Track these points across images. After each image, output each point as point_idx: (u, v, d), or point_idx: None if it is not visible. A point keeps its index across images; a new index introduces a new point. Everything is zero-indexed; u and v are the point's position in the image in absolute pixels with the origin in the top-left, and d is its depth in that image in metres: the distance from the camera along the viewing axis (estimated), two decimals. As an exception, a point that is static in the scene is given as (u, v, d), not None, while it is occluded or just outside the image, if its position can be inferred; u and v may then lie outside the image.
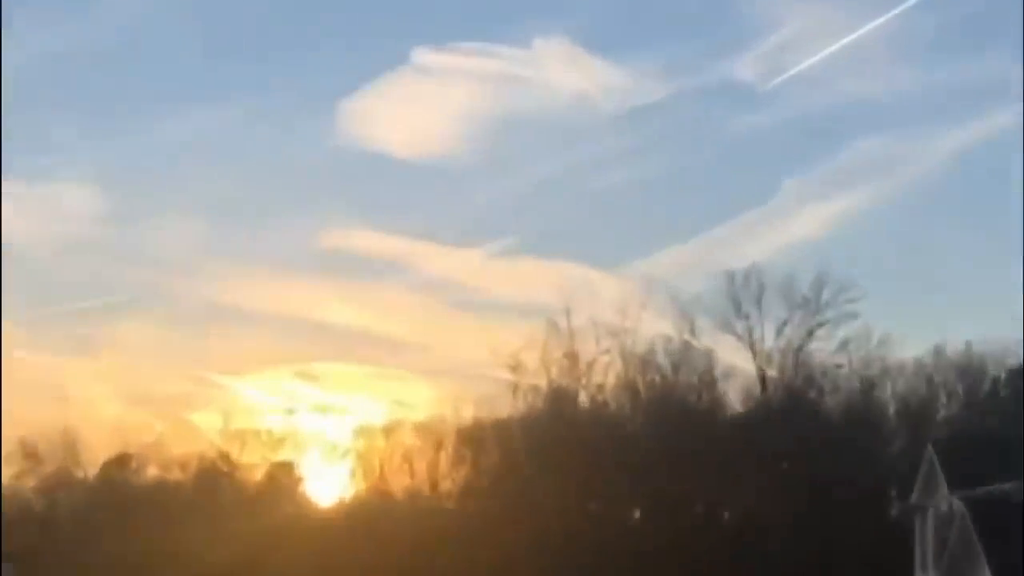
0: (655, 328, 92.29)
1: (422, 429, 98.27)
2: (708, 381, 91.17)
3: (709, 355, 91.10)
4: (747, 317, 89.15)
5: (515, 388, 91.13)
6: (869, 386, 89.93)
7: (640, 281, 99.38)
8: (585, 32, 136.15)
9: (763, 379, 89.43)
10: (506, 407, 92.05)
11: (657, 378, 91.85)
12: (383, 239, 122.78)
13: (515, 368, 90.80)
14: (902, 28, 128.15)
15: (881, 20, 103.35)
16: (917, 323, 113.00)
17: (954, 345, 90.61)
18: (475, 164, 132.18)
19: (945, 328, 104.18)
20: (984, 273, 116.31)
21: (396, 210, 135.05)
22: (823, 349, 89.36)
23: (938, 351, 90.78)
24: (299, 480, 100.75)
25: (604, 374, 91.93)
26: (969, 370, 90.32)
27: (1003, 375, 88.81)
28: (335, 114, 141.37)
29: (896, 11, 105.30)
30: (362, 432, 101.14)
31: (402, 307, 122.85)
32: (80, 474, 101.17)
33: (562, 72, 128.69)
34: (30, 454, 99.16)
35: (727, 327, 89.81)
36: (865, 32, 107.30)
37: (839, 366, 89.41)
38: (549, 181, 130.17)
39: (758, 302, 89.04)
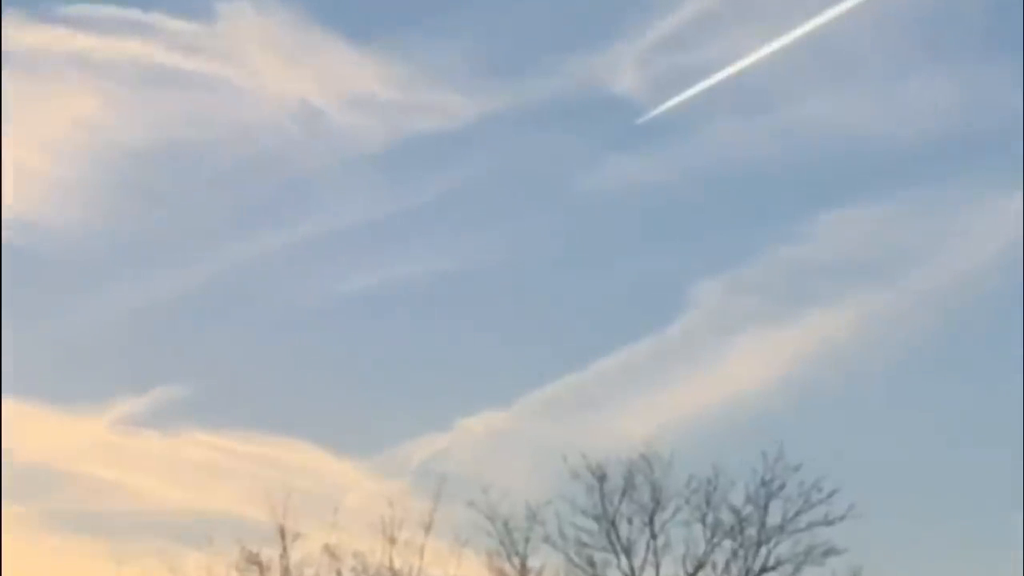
0: (452, 569, 63.16)
1: None
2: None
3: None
4: (627, 551, 63.98)
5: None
6: None
7: (419, 477, 70.87)
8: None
9: (660, 668, 77.85)
10: None
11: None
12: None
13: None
14: (887, 14, 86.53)
15: (852, 3, 62.15)
16: (940, 555, 77.18)
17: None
18: (104, 240, 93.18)
19: (989, 564, 70.99)
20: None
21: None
22: (774, 611, 78.03)
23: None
24: None
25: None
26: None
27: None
28: None
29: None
30: None
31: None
32: None
33: (275, 67, 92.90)
34: None
35: (591, 568, 65.27)
36: (824, 22, 64.40)
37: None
38: (245, 279, 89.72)
39: (650, 520, 64.28)
